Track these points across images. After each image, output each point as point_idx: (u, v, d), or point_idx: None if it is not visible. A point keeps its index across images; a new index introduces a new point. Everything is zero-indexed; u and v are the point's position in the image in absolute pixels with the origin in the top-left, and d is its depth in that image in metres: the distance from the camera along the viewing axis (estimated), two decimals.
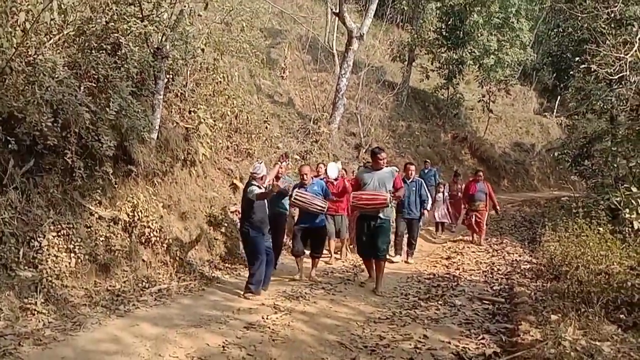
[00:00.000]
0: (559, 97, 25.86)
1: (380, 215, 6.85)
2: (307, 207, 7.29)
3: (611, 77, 10.56)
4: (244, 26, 8.73)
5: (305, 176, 7.47)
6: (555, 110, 27.62)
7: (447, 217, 12.43)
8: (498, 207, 11.81)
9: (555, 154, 16.30)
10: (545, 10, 25.70)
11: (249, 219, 6.48)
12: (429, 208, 9.77)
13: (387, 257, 7.47)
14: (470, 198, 11.30)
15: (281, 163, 7.40)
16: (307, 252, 7.78)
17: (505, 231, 12.78)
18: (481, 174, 11.62)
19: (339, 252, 9.34)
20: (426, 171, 13.21)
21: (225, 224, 8.32)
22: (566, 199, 14.38)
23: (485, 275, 8.11)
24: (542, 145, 25.64)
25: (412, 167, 9.43)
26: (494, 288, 7.26)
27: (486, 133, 23.85)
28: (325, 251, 8.30)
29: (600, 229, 7.40)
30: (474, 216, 11.13)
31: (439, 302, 6.42)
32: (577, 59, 13.84)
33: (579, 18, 12.15)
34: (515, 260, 9.10)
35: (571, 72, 16.46)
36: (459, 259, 9.37)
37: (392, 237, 8.48)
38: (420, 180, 9.51)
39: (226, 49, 8.84)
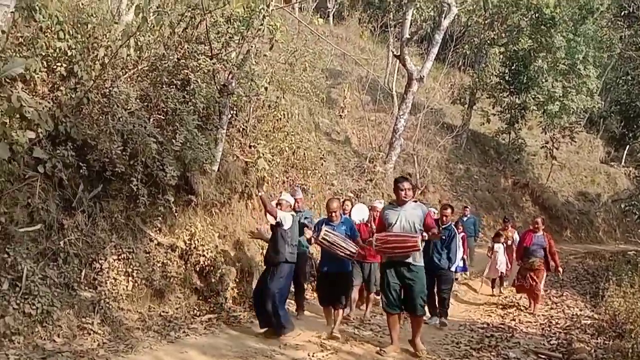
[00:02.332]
0: (627, 147, 24.80)
1: (411, 260, 5.68)
2: (336, 250, 6.21)
3: None
4: (307, 67, 8.99)
5: (334, 214, 6.44)
6: (623, 160, 26.46)
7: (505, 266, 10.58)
8: (560, 267, 9.22)
9: (623, 205, 15.54)
10: (614, 58, 24.99)
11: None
12: (453, 268, 8.09)
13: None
14: (524, 252, 9.06)
15: (292, 196, 6.77)
16: None
17: (566, 283, 12.18)
18: (540, 221, 9.17)
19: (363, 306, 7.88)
20: (465, 219, 11.74)
21: None
22: (633, 253, 13.61)
23: (543, 329, 7.73)
24: (609, 196, 24.51)
25: (449, 212, 7.95)
26: (551, 342, 6.91)
27: (549, 180, 23.10)
28: None
29: None
30: (528, 277, 8.84)
31: (492, 354, 6.17)
32: None
33: None
34: (576, 314, 8.63)
35: None
36: (515, 309, 8.98)
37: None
38: (455, 231, 8.01)
39: (288, 87, 9.16)
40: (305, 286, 7.92)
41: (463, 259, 10.32)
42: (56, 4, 6.39)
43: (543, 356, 6.19)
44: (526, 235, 9.21)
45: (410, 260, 5.67)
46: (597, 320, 7.84)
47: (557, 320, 8.27)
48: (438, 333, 7.01)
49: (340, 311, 6.49)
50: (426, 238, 5.79)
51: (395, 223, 5.71)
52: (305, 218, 7.04)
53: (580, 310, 9.00)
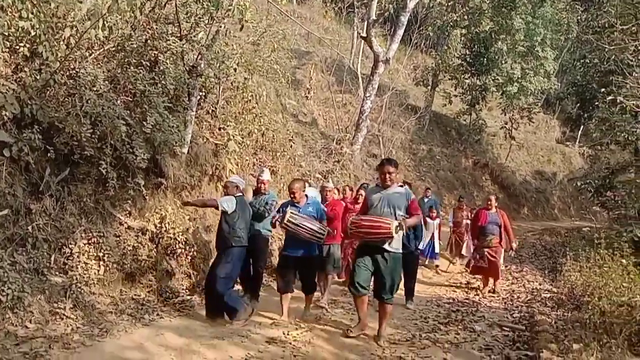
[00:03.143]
0: (582, 127, 25.79)
1: (386, 246, 5.39)
2: (303, 233, 5.85)
3: (637, 110, 10.53)
4: (274, 47, 8.95)
5: (295, 195, 6.04)
6: (578, 140, 27.50)
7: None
8: (515, 244, 9.10)
9: (578, 183, 16.19)
10: (570, 41, 25.74)
11: None
12: (421, 246, 8.40)
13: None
14: (480, 231, 8.71)
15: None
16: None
17: (524, 259, 12.68)
18: (493, 199, 8.96)
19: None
20: (425, 200, 11.34)
21: None
22: (588, 229, 14.26)
23: (505, 303, 8.08)
24: (564, 175, 25.49)
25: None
26: (514, 315, 7.24)
27: (507, 160, 23.82)
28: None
29: (623, 260, 7.34)
30: (486, 255, 8.53)
31: (459, 327, 6.42)
32: (602, 89, 13.84)
33: (606, 50, 12.16)
34: (536, 288, 9.04)
35: (596, 103, 16.45)
36: (479, 285, 9.32)
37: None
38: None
39: (256, 69, 9.09)
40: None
41: (433, 244, 10.53)
42: None
43: (507, 328, 6.48)
44: (480, 213, 8.91)
45: (385, 246, 5.39)
46: (556, 293, 8.24)
47: (518, 294, 8.65)
48: (407, 309, 7.23)
49: (312, 297, 6.32)
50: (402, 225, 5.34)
51: (376, 206, 5.48)
52: (268, 203, 6.67)
53: (540, 284, 9.42)
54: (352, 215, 7.11)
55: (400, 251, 5.55)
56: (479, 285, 9.16)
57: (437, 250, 10.73)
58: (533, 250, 13.91)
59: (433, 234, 10.48)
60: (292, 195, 6.13)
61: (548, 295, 8.28)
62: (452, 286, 9.40)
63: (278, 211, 6.26)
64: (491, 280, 8.83)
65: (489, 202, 8.84)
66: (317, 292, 6.73)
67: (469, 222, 11.04)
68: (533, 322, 6.58)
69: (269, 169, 9.86)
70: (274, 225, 6.35)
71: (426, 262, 10.72)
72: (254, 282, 6.85)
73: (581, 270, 8.01)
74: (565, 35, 24.46)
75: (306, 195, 6.26)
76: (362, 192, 7.65)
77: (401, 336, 5.88)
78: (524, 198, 22.80)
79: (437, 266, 10.91)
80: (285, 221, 5.86)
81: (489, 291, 8.73)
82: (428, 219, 10.34)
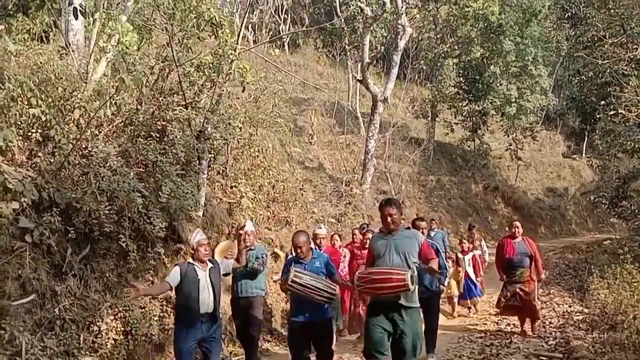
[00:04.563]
0: (586, 139, 25.80)
1: (403, 302, 4.63)
2: (310, 294, 5.04)
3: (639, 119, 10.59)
4: (276, 102, 9.15)
5: (300, 249, 5.23)
6: (584, 152, 27.48)
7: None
8: (543, 275, 8.12)
9: (591, 197, 16.10)
10: (561, 56, 26.10)
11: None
12: (445, 283, 7.44)
13: None
14: (507, 264, 7.64)
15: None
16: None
17: (550, 280, 12.46)
18: (519, 224, 7.97)
19: None
20: (432, 234, 9.77)
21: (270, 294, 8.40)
22: (608, 242, 14.10)
23: (538, 330, 7.92)
24: (576, 189, 25.36)
25: (424, 224, 6.95)
26: (549, 343, 7.09)
27: (517, 181, 23.77)
28: None
29: None
30: (517, 292, 7.45)
31: None
32: (602, 102, 13.95)
33: (599, 63, 12.32)
34: (566, 311, 8.87)
35: (598, 115, 16.54)
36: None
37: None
38: (436, 245, 6.86)
39: (259, 123, 9.27)
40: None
41: (468, 282, 9.25)
42: (15, 67, 6.42)
43: (544, 358, 6.35)
44: (505, 243, 7.78)
45: (402, 301, 4.62)
46: (588, 314, 8.08)
47: (549, 319, 8.47)
48: (440, 348, 7.09)
49: None
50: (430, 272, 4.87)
51: (384, 255, 4.75)
52: (259, 257, 6.13)
53: (570, 306, 9.25)
54: (360, 264, 6.78)
55: (418, 305, 4.80)
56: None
57: (474, 290, 9.30)
58: (557, 271, 13.71)
59: (466, 271, 9.29)
60: (297, 251, 5.32)
61: (580, 317, 8.11)
62: (481, 318, 9.22)
63: (283, 270, 5.47)
64: (528, 321, 7.72)
65: (515, 230, 7.76)
66: None
67: (485, 252, 10.56)
68: (570, 348, 6.45)
69: (283, 220, 9.96)
70: (283, 289, 5.60)
71: (465, 303, 9.41)
72: (249, 349, 6.23)
73: (609, 287, 7.90)
74: (556, 52, 24.83)
75: (311, 249, 5.53)
76: (369, 235, 7.12)
77: None
78: (539, 217, 22.63)
79: (469, 308, 9.50)
80: (289, 282, 5.05)
81: (530, 333, 7.61)
82: (459, 255, 9.54)
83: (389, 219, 4.80)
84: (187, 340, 4.95)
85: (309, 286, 5.05)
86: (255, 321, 6.23)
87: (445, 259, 8.78)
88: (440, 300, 7.34)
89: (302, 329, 5.22)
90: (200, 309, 4.94)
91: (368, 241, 6.61)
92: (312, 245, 6.19)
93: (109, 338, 5.76)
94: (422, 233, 6.38)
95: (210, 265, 5.18)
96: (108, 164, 6.09)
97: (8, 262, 5.24)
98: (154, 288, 5.91)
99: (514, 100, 20.69)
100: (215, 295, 5.08)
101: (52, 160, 5.90)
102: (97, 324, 5.75)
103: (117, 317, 5.97)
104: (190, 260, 5.15)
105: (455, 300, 9.35)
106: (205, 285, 5.02)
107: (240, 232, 5.59)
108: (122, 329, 5.95)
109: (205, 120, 7.07)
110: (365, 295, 5.11)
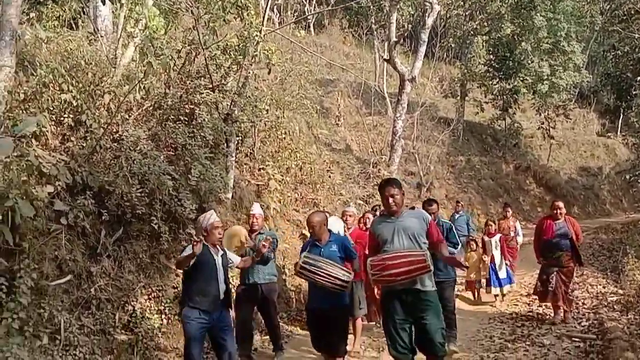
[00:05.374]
0: (621, 117, 25.02)
1: (419, 286, 4.28)
2: (320, 280, 4.72)
3: None
4: (302, 84, 9.12)
5: (314, 229, 4.97)
6: (619, 130, 26.67)
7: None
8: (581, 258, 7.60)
9: (627, 176, 15.64)
10: (595, 31, 25.26)
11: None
12: (456, 253, 6.54)
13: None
14: (545, 246, 7.18)
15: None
16: None
17: (583, 261, 12.23)
18: (561, 205, 7.32)
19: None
20: (457, 216, 10.06)
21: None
22: None
23: (571, 311, 7.79)
24: (610, 168, 24.69)
25: (434, 207, 6.42)
26: (582, 324, 6.98)
27: (549, 160, 23.27)
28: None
29: None
30: (556, 278, 7.01)
31: (527, 343, 6.24)
32: (638, 78, 13.48)
33: (636, 37, 11.87)
34: (600, 292, 8.71)
35: (634, 92, 15.99)
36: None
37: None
38: (450, 223, 6.84)
39: (285, 105, 9.27)
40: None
41: (495, 268, 8.59)
42: (46, 54, 6.54)
43: (577, 339, 6.26)
44: (544, 224, 7.29)
45: (418, 285, 4.28)
46: (623, 295, 7.92)
47: (583, 300, 8.34)
48: (470, 328, 7.07)
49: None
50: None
51: (392, 240, 4.35)
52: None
53: (604, 287, 9.08)
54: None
55: (435, 288, 4.43)
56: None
57: (502, 274, 8.62)
58: (591, 251, 13.43)
59: (493, 255, 8.63)
60: (311, 231, 5.10)
61: (614, 298, 7.96)
62: (513, 299, 9.12)
63: (300, 253, 5.20)
64: (560, 310, 7.18)
65: (557, 210, 7.20)
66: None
67: (519, 234, 10.11)
68: (604, 329, 6.34)
69: (311, 202, 9.99)
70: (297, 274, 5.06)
71: (493, 291, 8.70)
72: (273, 334, 6.20)
73: None
74: (590, 27, 24.01)
75: (329, 231, 5.19)
76: (370, 216, 6.88)
77: (468, 359, 5.75)
78: (572, 197, 22.14)
79: (496, 295, 8.76)
80: (297, 268, 4.80)
81: (559, 322, 7.08)
82: (485, 237, 8.93)
83: (390, 200, 4.40)
84: (198, 325, 4.79)
85: (319, 273, 4.72)
86: (272, 308, 6.18)
87: (468, 242, 8.87)
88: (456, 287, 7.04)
89: (315, 316, 5.02)
90: (213, 291, 4.83)
91: (369, 220, 6.55)
92: (340, 228, 6.18)
93: (143, 317, 5.90)
94: (434, 214, 6.15)
95: (221, 251, 5.06)
96: (138, 148, 6.18)
97: (45, 244, 5.40)
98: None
99: (546, 77, 20.13)
100: (226, 281, 4.98)
101: (84, 145, 6.01)
102: (132, 303, 5.88)
103: (150, 297, 6.10)
104: (204, 241, 4.83)
105: (479, 286, 8.88)
106: (217, 269, 4.90)
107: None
108: (156, 308, 6.08)
109: (232, 103, 7.10)
110: (381, 284, 4.66)
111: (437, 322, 4.28)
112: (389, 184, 4.52)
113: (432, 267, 4.23)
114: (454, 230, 6.65)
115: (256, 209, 6.20)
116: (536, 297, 7.77)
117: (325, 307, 4.87)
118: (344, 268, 4.82)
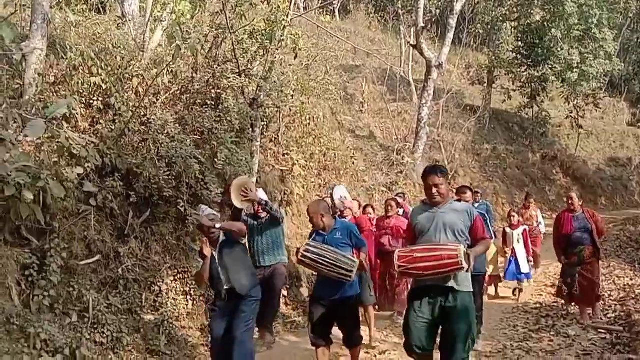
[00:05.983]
0: None
1: (453, 284, 3.88)
2: (323, 269, 4.50)
3: None
4: (327, 69, 9.09)
5: (314, 219, 4.71)
6: None
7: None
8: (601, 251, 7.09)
9: None
10: (630, 18, 24.52)
11: None
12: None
13: None
14: (565, 242, 6.82)
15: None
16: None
17: (610, 253, 12.02)
18: (573, 196, 7.05)
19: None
20: (476, 205, 8.80)
21: None
22: None
23: (595, 317, 7.67)
24: None
25: (468, 195, 5.98)
26: (609, 316, 6.88)
27: (577, 150, 22.81)
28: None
29: None
30: (580, 276, 6.63)
31: (552, 333, 6.18)
32: None
33: None
34: (627, 284, 8.56)
35: None
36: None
37: None
38: (485, 215, 6.35)
39: (310, 91, 9.26)
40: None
41: (516, 261, 8.34)
42: (75, 38, 6.62)
43: (603, 331, 6.17)
44: (562, 218, 6.88)
45: (452, 283, 3.88)
46: None
47: (609, 292, 8.21)
48: (494, 317, 7.03)
49: (358, 349, 4.86)
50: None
51: (428, 231, 3.98)
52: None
53: (631, 279, 8.92)
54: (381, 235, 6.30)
55: (471, 289, 4.02)
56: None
57: (524, 269, 8.33)
58: (618, 243, 13.18)
59: (513, 248, 8.39)
60: (311, 222, 4.84)
61: None
62: (537, 289, 9.04)
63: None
64: (588, 309, 6.82)
65: (570, 202, 6.86)
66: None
67: (541, 222, 9.93)
68: (631, 322, 6.23)
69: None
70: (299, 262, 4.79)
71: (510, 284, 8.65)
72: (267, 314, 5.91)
73: None
74: (623, 13, 23.31)
75: (335, 219, 4.96)
76: (393, 203, 6.70)
77: (492, 347, 5.73)
78: (599, 188, 21.72)
79: (514, 290, 8.59)
80: (299, 256, 4.55)
81: (587, 320, 6.66)
82: (507, 229, 8.62)
83: (434, 190, 3.96)
84: (216, 322, 4.71)
85: (321, 261, 4.46)
86: (277, 291, 6.05)
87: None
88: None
89: (323, 307, 4.67)
90: (217, 286, 4.72)
91: (391, 209, 6.59)
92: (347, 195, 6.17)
93: (169, 298, 6.01)
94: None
95: (222, 238, 4.78)
96: (166, 131, 6.25)
97: (74, 225, 5.52)
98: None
99: (575, 65, 19.66)
100: (232, 272, 4.68)
101: (113, 127, 6.10)
102: (158, 284, 5.99)
103: (176, 278, 6.21)
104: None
105: (500, 280, 8.64)
106: (217, 263, 4.70)
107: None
108: (182, 289, 6.19)
109: (258, 88, 7.12)
110: (408, 277, 4.41)
111: (466, 329, 3.83)
112: (433, 171, 4.06)
113: (465, 265, 3.73)
114: (489, 223, 6.28)
115: (261, 193, 5.76)
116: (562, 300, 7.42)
117: (330, 296, 4.61)
118: (347, 256, 4.56)
